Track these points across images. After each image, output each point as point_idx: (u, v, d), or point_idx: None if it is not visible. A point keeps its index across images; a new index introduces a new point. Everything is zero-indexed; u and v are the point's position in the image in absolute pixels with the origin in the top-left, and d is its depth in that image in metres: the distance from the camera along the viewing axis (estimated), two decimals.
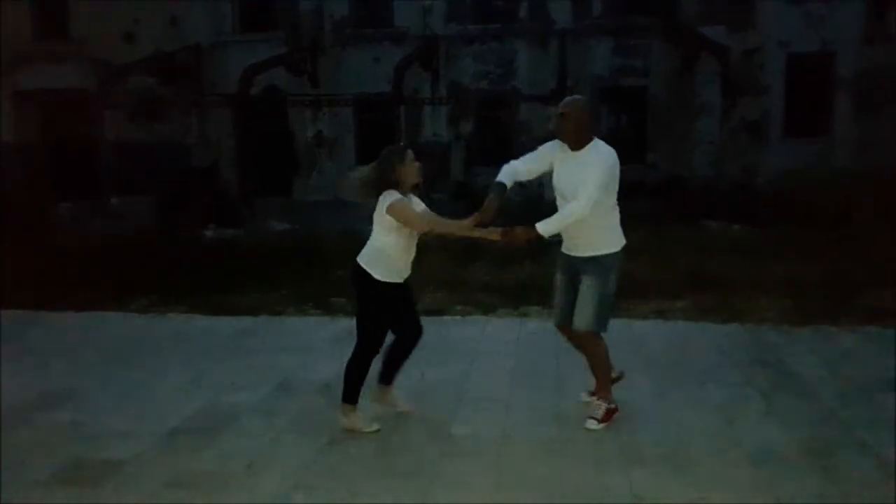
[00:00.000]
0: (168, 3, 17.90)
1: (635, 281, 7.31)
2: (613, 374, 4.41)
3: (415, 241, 4.16)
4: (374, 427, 4.20)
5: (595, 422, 4.16)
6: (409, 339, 4.30)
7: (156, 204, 14.41)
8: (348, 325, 6.40)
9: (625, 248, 4.20)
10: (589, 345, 4.21)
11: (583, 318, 4.10)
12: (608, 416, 4.19)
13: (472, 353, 5.57)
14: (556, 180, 4.16)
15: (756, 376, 4.96)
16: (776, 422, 4.19)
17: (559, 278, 4.33)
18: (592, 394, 4.40)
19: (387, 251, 4.09)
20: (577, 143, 4.07)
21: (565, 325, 4.31)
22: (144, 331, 6.46)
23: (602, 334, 4.20)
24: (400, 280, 4.17)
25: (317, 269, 8.30)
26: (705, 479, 3.53)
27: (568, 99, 4.20)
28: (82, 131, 17.51)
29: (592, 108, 4.30)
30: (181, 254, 9.00)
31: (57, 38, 18.07)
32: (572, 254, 4.20)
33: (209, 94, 18.13)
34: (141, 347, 5.92)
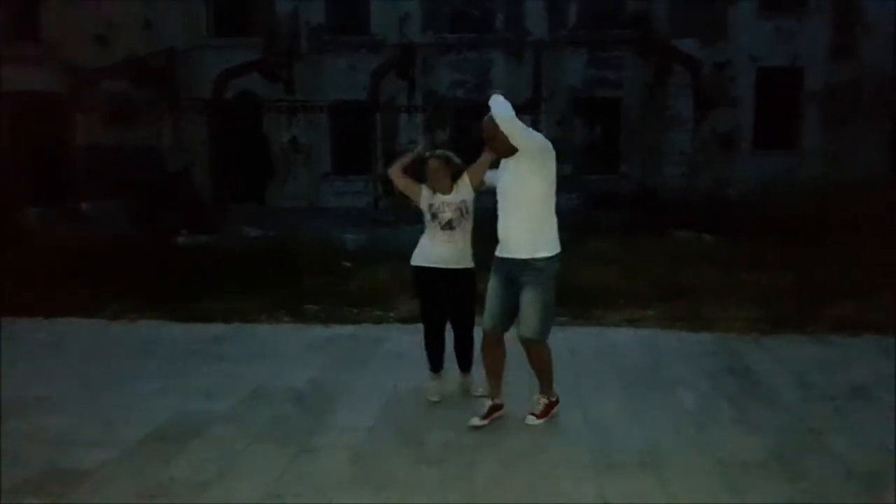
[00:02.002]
0: (142, 7, 17.74)
1: (607, 290, 7.40)
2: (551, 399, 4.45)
3: (438, 228, 4.52)
4: (435, 398, 4.70)
5: (534, 417, 4.32)
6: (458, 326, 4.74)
7: (128, 209, 14.23)
8: (321, 332, 6.44)
9: (560, 256, 4.22)
10: (535, 351, 4.28)
11: (528, 327, 4.16)
12: (547, 410, 4.36)
13: (446, 360, 5.57)
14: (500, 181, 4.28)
15: (725, 383, 5.03)
16: (745, 428, 4.25)
17: (492, 283, 4.29)
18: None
19: (422, 239, 4.63)
20: (510, 153, 4.16)
21: (498, 330, 4.30)
22: (116, 337, 6.38)
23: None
24: (429, 265, 4.56)
25: (291, 276, 8.25)
26: (675, 485, 3.58)
27: (485, 122, 4.13)
28: (54, 135, 17.25)
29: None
30: (153, 260, 8.90)
31: (28, 40, 17.79)
32: (509, 256, 4.21)
33: (183, 98, 17.98)
34: (112, 354, 5.83)
